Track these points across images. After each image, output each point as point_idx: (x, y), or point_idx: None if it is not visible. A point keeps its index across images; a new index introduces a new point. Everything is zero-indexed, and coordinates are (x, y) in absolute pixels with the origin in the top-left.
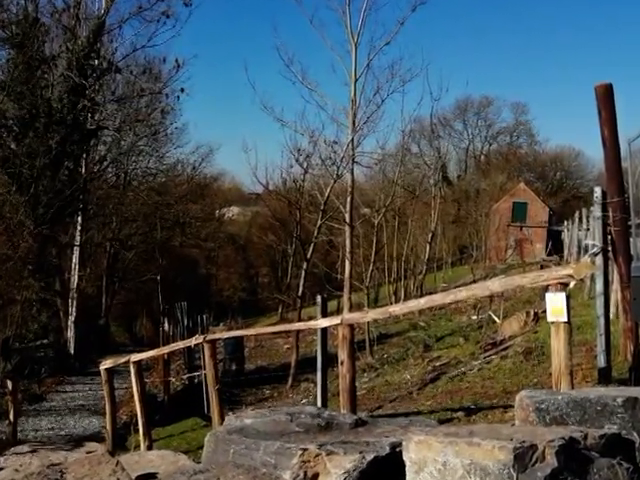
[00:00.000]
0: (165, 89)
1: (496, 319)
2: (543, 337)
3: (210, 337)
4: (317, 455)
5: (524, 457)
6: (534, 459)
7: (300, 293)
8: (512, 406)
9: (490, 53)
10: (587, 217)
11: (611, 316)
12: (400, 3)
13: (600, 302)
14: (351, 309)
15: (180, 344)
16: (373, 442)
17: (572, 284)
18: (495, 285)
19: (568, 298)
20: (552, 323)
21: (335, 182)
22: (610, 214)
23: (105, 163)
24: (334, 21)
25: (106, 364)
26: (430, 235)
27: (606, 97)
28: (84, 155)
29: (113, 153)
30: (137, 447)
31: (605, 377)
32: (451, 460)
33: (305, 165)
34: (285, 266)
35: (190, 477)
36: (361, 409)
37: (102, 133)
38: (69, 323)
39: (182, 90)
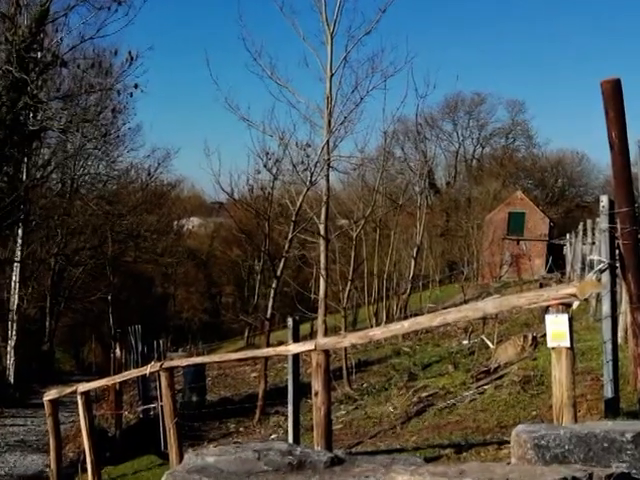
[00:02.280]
0: (117, 85)
1: (490, 344)
2: (543, 364)
3: (167, 364)
4: None
5: None
6: None
7: (269, 315)
8: (508, 442)
9: (483, 45)
10: (592, 229)
11: (619, 341)
12: None
13: (607, 325)
14: (326, 333)
15: (134, 372)
16: None
17: (575, 305)
18: (488, 306)
19: (571, 321)
20: (553, 349)
21: (308, 190)
22: (618, 226)
23: (49, 168)
24: (307, 8)
25: (50, 395)
26: (415, 250)
27: (614, 94)
28: (25, 159)
29: (58, 157)
30: None
31: (612, 409)
32: None
33: (274, 171)
34: (252, 284)
35: None
36: (338, 445)
37: (46, 134)
38: (8, 349)
39: (136, 86)
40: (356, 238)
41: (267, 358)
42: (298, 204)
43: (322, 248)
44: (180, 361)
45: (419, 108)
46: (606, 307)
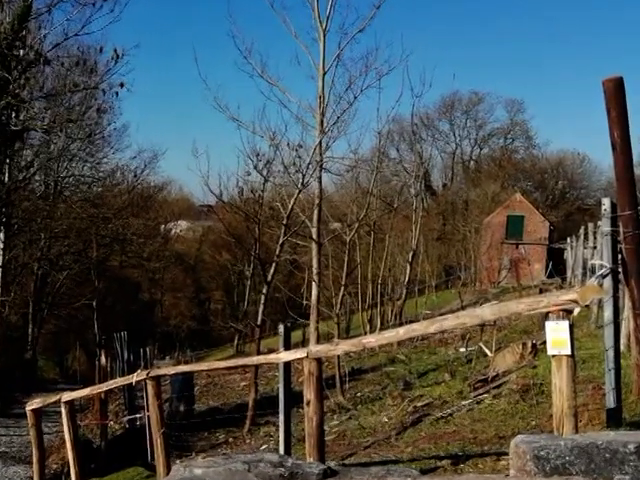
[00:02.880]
0: (102, 84)
1: (488, 352)
2: (543, 373)
3: (154, 373)
4: None
5: None
6: None
7: (259, 321)
8: (506, 453)
9: (480, 42)
10: (594, 233)
11: (622, 348)
12: None
13: (609, 332)
14: (319, 340)
15: (119, 381)
16: None
17: (576, 311)
18: (486, 312)
19: (572, 327)
20: (553, 356)
21: (300, 192)
22: (621, 229)
23: (32, 170)
24: (299, 4)
25: (33, 404)
26: (411, 254)
27: (616, 93)
28: (7, 160)
29: (41, 158)
30: None
31: (615, 419)
32: None
33: (265, 172)
34: (242, 290)
35: None
36: (330, 457)
37: (28, 135)
38: None
39: (121, 85)
40: (349, 242)
41: (257, 366)
42: (289, 207)
43: (314, 252)
44: (167, 369)
45: (415, 108)
46: (608, 313)
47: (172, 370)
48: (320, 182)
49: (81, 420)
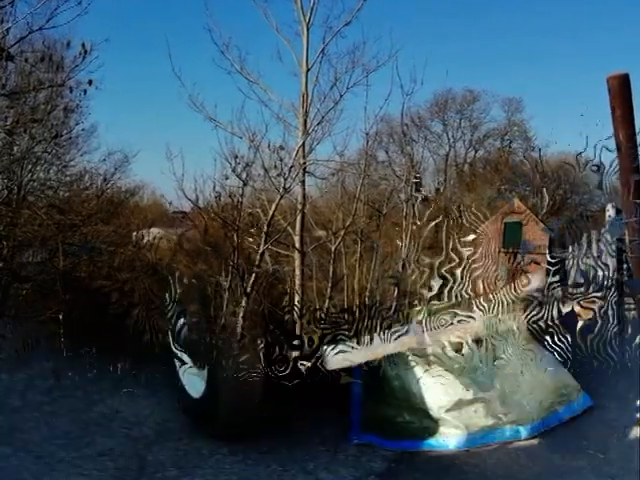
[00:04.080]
0: (69, 81)
1: None
2: None
3: None
4: None
5: None
6: None
7: (238, 336)
8: None
9: (475, 37)
10: (598, 241)
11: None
12: None
13: None
14: None
15: None
16: None
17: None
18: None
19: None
20: None
21: (282, 197)
22: (626, 237)
23: None
24: None
25: None
26: (401, 264)
27: (621, 91)
28: None
29: (3, 161)
30: None
31: None
32: None
33: (244, 176)
34: (219, 302)
35: None
36: None
37: None
38: None
39: (90, 82)
40: (335, 251)
41: None
42: (270, 213)
43: (297, 262)
44: None
45: (405, 107)
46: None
47: None
48: (303, 187)
49: None
